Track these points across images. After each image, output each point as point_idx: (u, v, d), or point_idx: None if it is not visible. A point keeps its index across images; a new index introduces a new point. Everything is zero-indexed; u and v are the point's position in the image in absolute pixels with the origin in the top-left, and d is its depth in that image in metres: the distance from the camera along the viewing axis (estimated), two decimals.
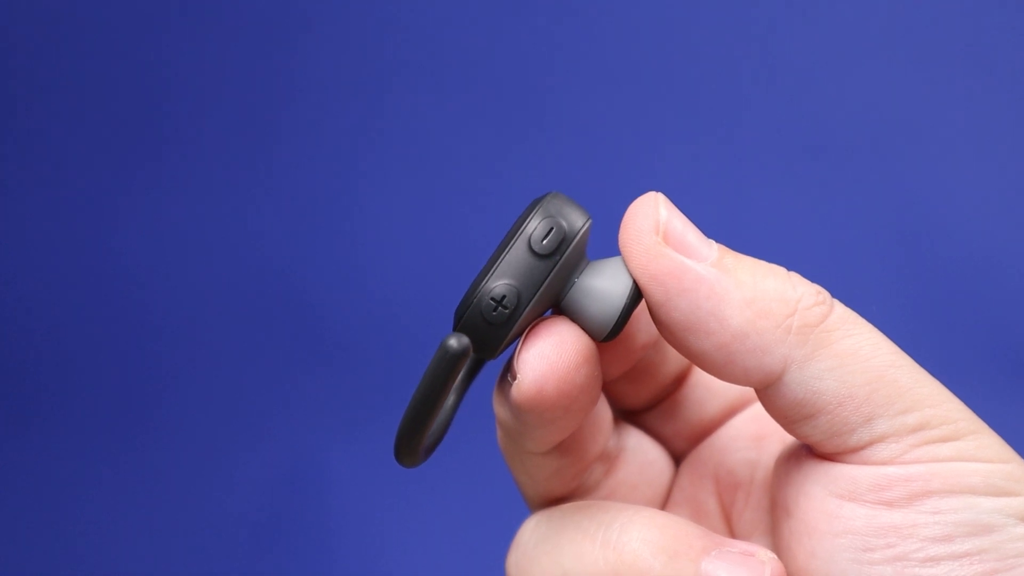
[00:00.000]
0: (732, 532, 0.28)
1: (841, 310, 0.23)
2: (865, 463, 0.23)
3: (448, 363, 0.22)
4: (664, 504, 0.29)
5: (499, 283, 0.24)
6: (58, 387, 0.85)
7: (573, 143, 0.76)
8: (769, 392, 0.24)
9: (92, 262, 0.85)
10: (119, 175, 0.85)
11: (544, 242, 0.24)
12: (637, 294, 0.24)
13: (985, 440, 0.23)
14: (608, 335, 0.25)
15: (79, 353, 0.85)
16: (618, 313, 0.24)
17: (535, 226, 0.24)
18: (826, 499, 0.24)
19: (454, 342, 0.22)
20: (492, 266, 0.24)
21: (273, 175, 0.83)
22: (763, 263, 0.24)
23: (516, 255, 0.24)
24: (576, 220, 0.24)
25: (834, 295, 0.25)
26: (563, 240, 0.24)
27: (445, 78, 0.79)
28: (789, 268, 0.25)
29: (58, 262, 0.85)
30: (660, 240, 0.24)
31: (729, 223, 0.72)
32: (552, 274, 0.24)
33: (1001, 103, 0.69)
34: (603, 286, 0.24)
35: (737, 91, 0.73)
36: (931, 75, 0.70)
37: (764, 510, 0.28)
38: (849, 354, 0.23)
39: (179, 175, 0.84)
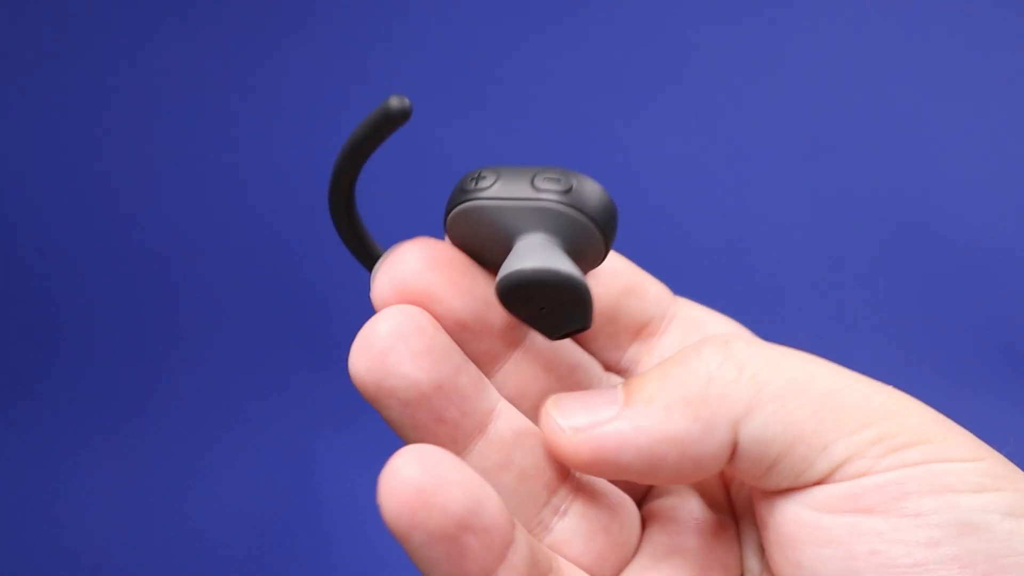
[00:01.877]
0: (735, 513, 0.28)
1: (758, 348, 0.23)
2: (836, 482, 0.22)
3: (382, 116, 0.22)
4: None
5: (489, 171, 0.24)
6: (56, 382, 0.85)
7: (572, 145, 0.76)
8: (733, 461, 0.23)
9: (90, 260, 0.85)
10: (123, 173, 0.85)
11: (546, 183, 0.23)
12: (534, 278, 0.23)
13: (954, 440, 0.22)
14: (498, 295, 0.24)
15: (79, 352, 0.85)
16: (505, 280, 0.24)
17: (556, 176, 0.23)
18: (803, 512, 0.23)
19: (395, 100, 0.22)
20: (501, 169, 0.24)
21: (268, 169, 0.83)
22: (672, 355, 0.24)
23: (519, 175, 0.24)
24: (589, 200, 0.23)
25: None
26: (560, 193, 0.23)
27: (445, 80, 0.79)
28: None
29: (60, 260, 0.85)
30: (571, 434, 0.24)
31: (729, 223, 0.72)
32: (522, 200, 0.23)
33: (1001, 103, 0.69)
34: (525, 252, 0.24)
35: (737, 91, 0.73)
36: (931, 74, 0.70)
37: None
38: (784, 392, 0.22)
39: (178, 174, 0.84)
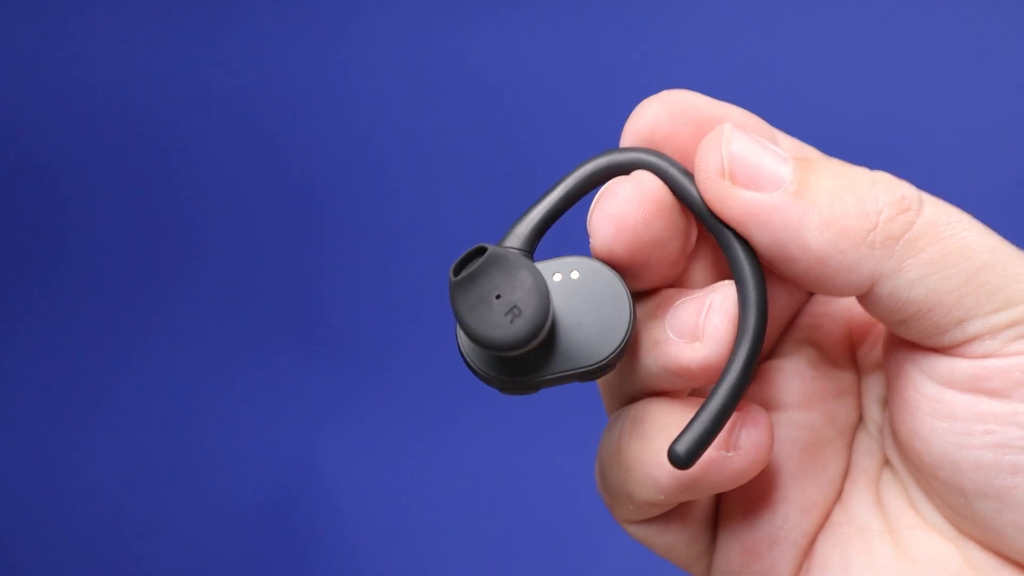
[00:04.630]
0: (860, 368, 0.28)
1: (930, 213, 0.23)
2: (963, 357, 0.23)
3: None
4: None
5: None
6: (57, 384, 0.85)
7: (572, 144, 0.76)
8: (862, 300, 0.24)
9: (90, 260, 0.85)
10: (123, 174, 0.85)
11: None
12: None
13: None
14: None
15: (79, 353, 0.85)
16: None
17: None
18: (926, 383, 0.24)
19: None
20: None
21: (269, 168, 0.83)
22: (844, 170, 0.24)
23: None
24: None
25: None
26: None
27: (445, 83, 0.79)
28: None
29: (60, 260, 0.85)
30: (727, 183, 0.23)
31: None
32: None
33: (999, 103, 0.69)
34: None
35: (736, 90, 0.73)
36: (930, 74, 0.70)
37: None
38: (936, 262, 0.23)
39: (178, 173, 0.84)
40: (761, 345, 0.24)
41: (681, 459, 0.23)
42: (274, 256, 0.82)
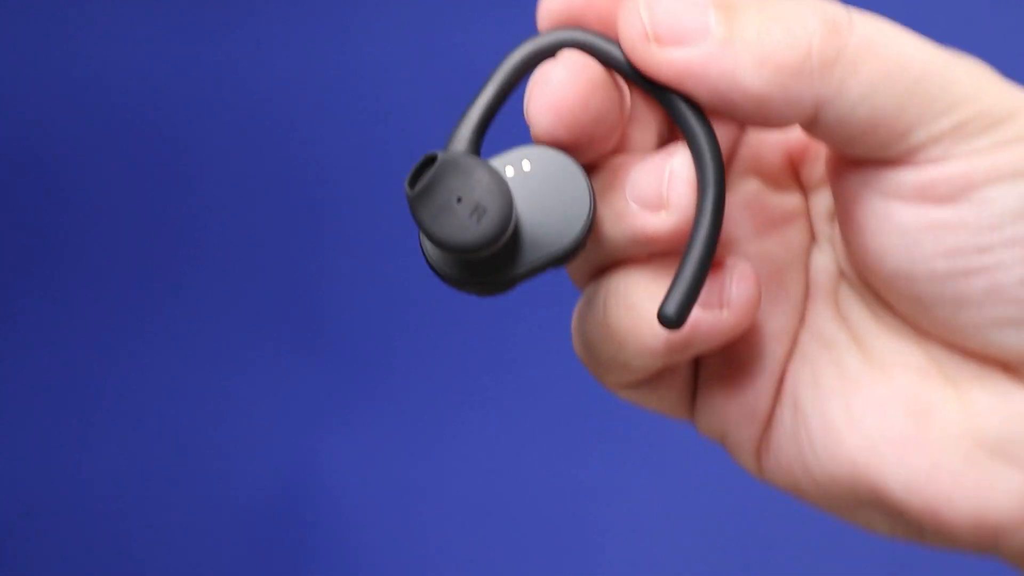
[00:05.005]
0: (805, 187, 0.28)
1: (862, 30, 0.23)
2: (908, 167, 0.23)
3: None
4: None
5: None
6: (59, 386, 0.85)
7: None
8: (806, 127, 0.24)
9: (90, 259, 0.85)
10: (121, 171, 0.85)
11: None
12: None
13: (1020, 121, 0.23)
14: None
15: (80, 353, 0.85)
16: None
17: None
18: (874, 199, 0.24)
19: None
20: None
21: (270, 167, 0.83)
22: (767, 2, 0.23)
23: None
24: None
25: None
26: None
27: (447, 83, 0.79)
28: None
29: (61, 262, 0.85)
30: (654, 46, 0.23)
31: None
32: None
33: None
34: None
35: None
36: None
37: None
38: (876, 79, 0.23)
39: (179, 175, 0.84)
40: (724, 196, 0.24)
41: (672, 319, 0.23)
42: (276, 256, 0.83)
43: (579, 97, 0.23)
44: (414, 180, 0.23)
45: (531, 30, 0.78)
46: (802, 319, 0.27)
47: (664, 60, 0.23)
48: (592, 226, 0.24)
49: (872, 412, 0.25)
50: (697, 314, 0.24)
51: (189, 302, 0.83)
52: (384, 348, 0.80)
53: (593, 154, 0.25)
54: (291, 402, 0.82)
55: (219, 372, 0.83)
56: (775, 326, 0.27)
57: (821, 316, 0.27)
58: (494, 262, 0.24)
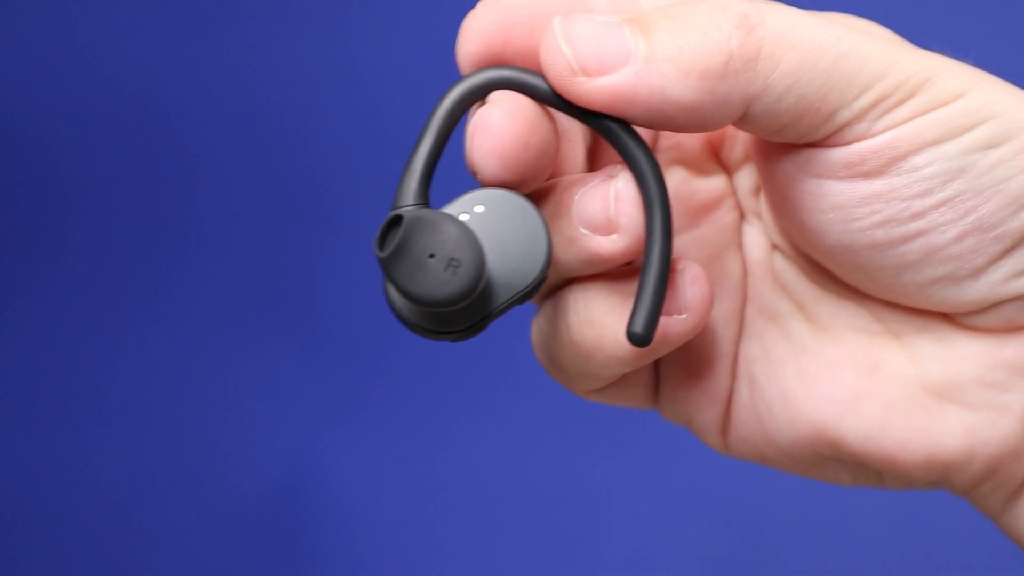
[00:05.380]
0: (727, 168, 0.29)
1: (774, 23, 0.24)
2: (836, 146, 0.24)
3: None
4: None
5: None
6: (61, 387, 0.85)
7: None
8: (737, 124, 0.24)
9: (91, 260, 0.85)
10: (119, 168, 0.85)
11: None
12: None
13: (939, 84, 0.24)
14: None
15: (80, 353, 0.85)
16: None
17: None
18: (806, 180, 0.25)
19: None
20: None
21: (270, 167, 0.83)
22: (678, 11, 0.24)
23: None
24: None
25: None
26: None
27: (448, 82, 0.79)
28: None
29: (60, 262, 0.85)
30: (581, 78, 0.24)
31: None
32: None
33: None
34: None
35: None
36: None
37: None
38: (796, 69, 0.23)
39: (179, 175, 0.84)
40: (670, 211, 0.24)
41: (641, 337, 0.24)
42: (277, 256, 0.83)
43: (520, 138, 0.24)
44: (382, 242, 0.23)
45: None
46: (745, 297, 0.28)
47: (594, 89, 0.24)
48: (551, 258, 0.25)
49: (824, 374, 0.27)
50: (660, 321, 0.25)
51: (193, 303, 0.83)
52: (388, 347, 0.80)
53: (536, 184, 0.25)
54: (294, 401, 0.82)
55: (220, 372, 0.83)
56: (722, 309, 0.28)
57: (762, 290, 0.28)
58: (465, 308, 0.24)
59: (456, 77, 0.25)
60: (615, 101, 0.24)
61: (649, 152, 0.25)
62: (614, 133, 0.24)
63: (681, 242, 0.27)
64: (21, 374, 0.85)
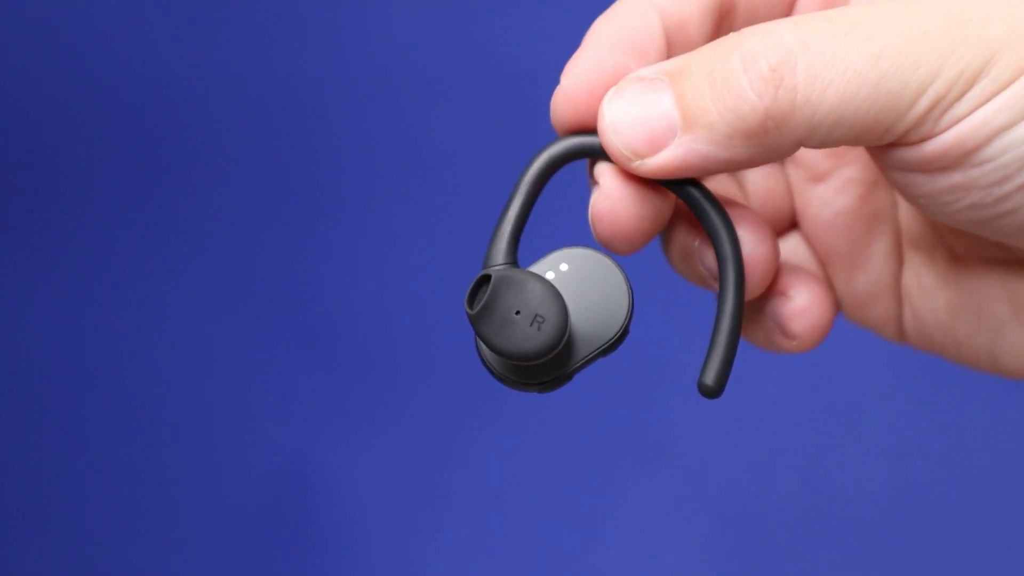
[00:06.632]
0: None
1: (804, 68, 0.24)
2: (905, 147, 0.25)
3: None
4: None
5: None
6: (62, 388, 0.85)
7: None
8: (805, 147, 0.26)
9: (92, 261, 0.85)
10: (118, 165, 0.85)
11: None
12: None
13: (1000, 63, 0.23)
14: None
15: (81, 353, 0.85)
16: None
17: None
18: (894, 173, 0.26)
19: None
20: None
21: (269, 166, 0.83)
22: (710, 67, 0.24)
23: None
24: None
25: None
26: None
27: (449, 81, 0.79)
28: None
29: (62, 262, 0.85)
30: (640, 161, 0.25)
31: None
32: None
33: None
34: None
35: None
36: None
37: None
38: (839, 104, 0.24)
39: (181, 175, 0.84)
40: (743, 266, 0.26)
41: (712, 389, 0.25)
42: (279, 256, 0.82)
43: (633, 225, 0.26)
44: (472, 301, 0.25)
45: (533, 31, 0.77)
46: (899, 231, 0.31)
47: (651, 168, 0.25)
48: (632, 314, 0.26)
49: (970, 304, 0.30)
50: (773, 343, 0.28)
51: (192, 302, 0.83)
52: (389, 348, 0.80)
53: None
54: (295, 402, 0.82)
55: (221, 373, 0.83)
56: (882, 247, 0.30)
57: (911, 224, 0.30)
58: (551, 360, 0.26)
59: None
60: (673, 172, 0.25)
61: (721, 209, 0.26)
62: (685, 193, 0.26)
63: (831, 183, 0.30)
64: (21, 374, 0.85)
